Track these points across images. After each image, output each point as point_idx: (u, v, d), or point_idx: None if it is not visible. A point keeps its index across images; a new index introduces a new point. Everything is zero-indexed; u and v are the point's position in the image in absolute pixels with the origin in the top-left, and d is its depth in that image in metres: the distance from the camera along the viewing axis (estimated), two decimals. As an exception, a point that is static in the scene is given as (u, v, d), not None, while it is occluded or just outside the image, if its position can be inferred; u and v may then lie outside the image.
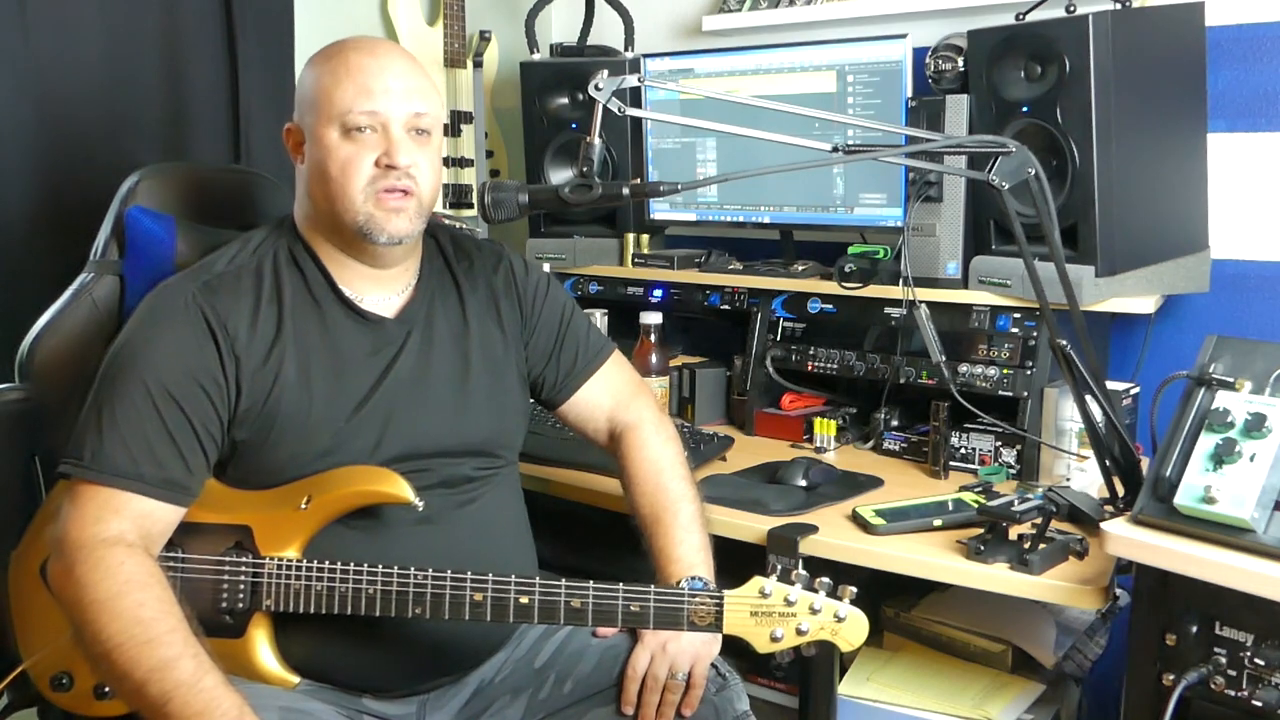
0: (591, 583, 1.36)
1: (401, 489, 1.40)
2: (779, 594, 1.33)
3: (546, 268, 2.45)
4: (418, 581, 1.35)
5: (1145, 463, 1.63)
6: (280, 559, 1.37)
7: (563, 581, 1.36)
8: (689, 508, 1.57)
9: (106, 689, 1.41)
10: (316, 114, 1.45)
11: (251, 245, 1.51)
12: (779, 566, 1.35)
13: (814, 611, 1.33)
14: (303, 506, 1.39)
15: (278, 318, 1.45)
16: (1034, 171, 1.54)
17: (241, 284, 1.45)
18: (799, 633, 1.33)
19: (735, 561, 1.84)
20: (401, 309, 1.53)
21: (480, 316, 1.59)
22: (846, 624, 1.34)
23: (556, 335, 1.66)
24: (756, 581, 1.34)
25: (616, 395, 1.69)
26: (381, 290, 1.52)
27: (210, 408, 1.39)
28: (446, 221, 1.93)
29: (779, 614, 1.33)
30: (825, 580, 1.35)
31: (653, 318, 2.37)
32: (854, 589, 1.35)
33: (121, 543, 1.30)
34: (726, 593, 1.34)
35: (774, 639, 1.33)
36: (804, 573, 1.35)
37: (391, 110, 1.43)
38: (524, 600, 1.35)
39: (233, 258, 1.49)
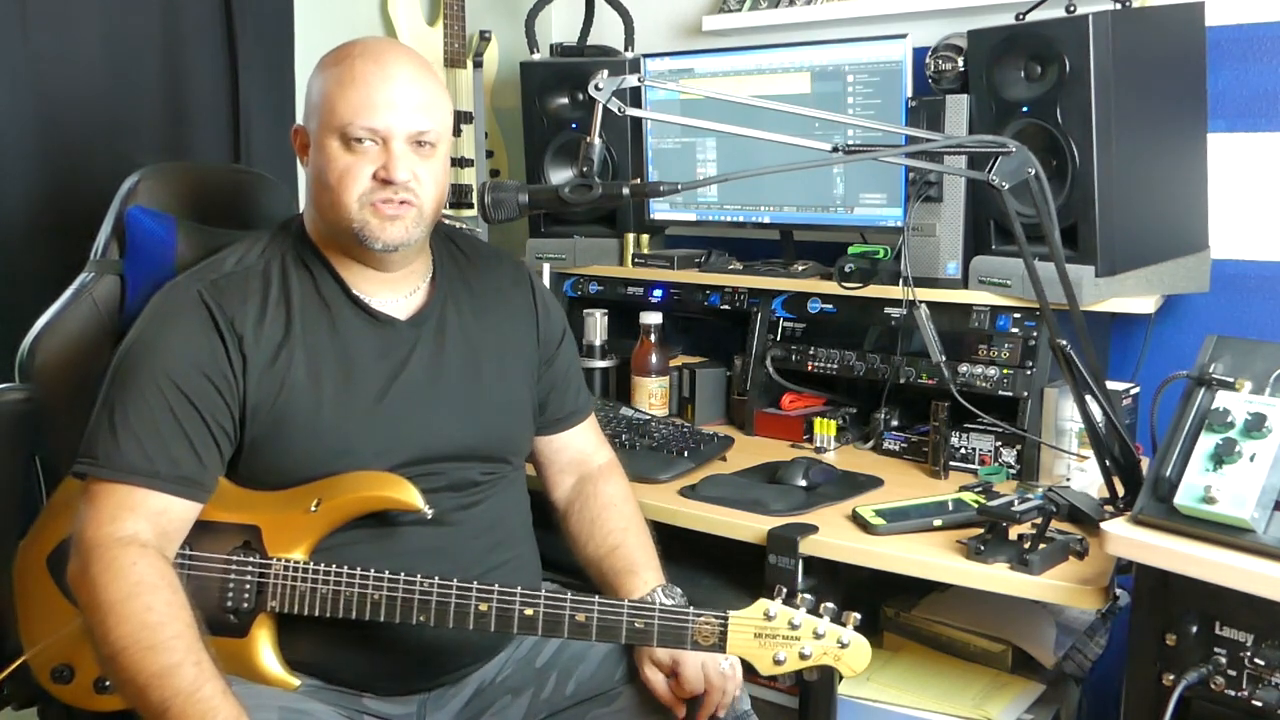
0: (597, 597, 1.36)
1: (411, 496, 1.40)
2: (783, 617, 1.34)
3: (546, 268, 2.46)
4: (423, 589, 1.36)
5: (1145, 463, 1.63)
6: (287, 560, 1.38)
7: (568, 595, 1.36)
8: (649, 533, 1.64)
9: (107, 682, 1.41)
10: (320, 120, 1.44)
11: (259, 247, 1.51)
12: (784, 589, 1.36)
13: (818, 636, 1.34)
14: (312, 509, 1.39)
15: (286, 319, 1.45)
16: (1034, 171, 1.54)
17: (249, 285, 1.45)
18: (802, 656, 1.34)
19: (735, 562, 1.85)
20: (414, 311, 1.53)
21: (493, 322, 1.59)
22: (849, 650, 1.34)
23: (559, 383, 1.68)
24: (762, 603, 1.35)
25: (587, 441, 1.73)
26: (391, 292, 1.52)
27: (220, 401, 1.39)
28: (448, 222, 1.93)
29: (783, 637, 1.34)
30: (830, 605, 1.36)
31: (653, 318, 2.37)
32: (857, 615, 1.36)
33: (135, 543, 1.31)
34: (731, 613, 1.35)
35: (777, 661, 1.34)
36: (809, 596, 1.36)
37: (394, 124, 1.41)
38: (529, 612, 1.35)
39: (240, 258, 1.49)
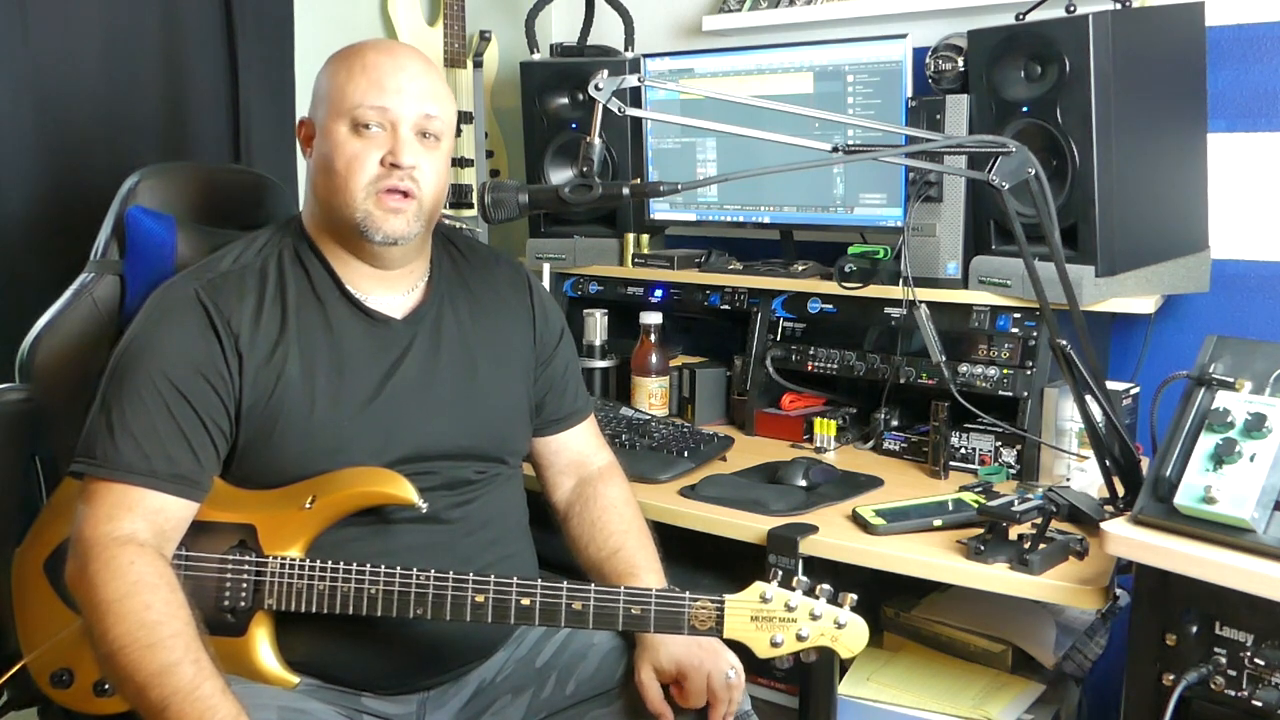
0: (593, 585, 1.36)
1: (405, 490, 1.40)
2: (780, 599, 1.33)
3: (546, 268, 2.46)
4: (419, 582, 1.36)
5: (1145, 463, 1.63)
6: (283, 558, 1.38)
7: (564, 583, 1.36)
8: (650, 536, 1.63)
9: (106, 685, 1.42)
10: (328, 108, 1.46)
11: (256, 245, 1.51)
12: (780, 571, 1.35)
13: (814, 617, 1.33)
14: (307, 506, 1.39)
15: (281, 316, 1.45)
16: (1034, 171, 1.54)
17: (246, 283, 1.46)
18: (799, 638, 1.33)
19: (735, 562, 1.85)
20: (410, 310, 1.53)
21: (490, 323, 1.59)
22: (846, 630, 1.34)
23: (556, 383, 1.67)
24: (757, 586, 1.34)
25: (586, 442, 1.72)
26: (388, 290, 1.52)
27: (217, 400, 1.39)
28: (447, 222, 1.93)
29: (779, 619, 1.33)
30: (826, 587, 1.35)
31: (653, 318, 2.37)
32: (854, 596, 1.35)
33: (133, 542, 1.31)
34: (728, 597, 1.34)
35: (774, 644, 1.33)
36: (805, 579, 1.35)
37: (402, 110, 1.43)
38: (525, 602, 1.35)
39: (237, 257, 1.49)
